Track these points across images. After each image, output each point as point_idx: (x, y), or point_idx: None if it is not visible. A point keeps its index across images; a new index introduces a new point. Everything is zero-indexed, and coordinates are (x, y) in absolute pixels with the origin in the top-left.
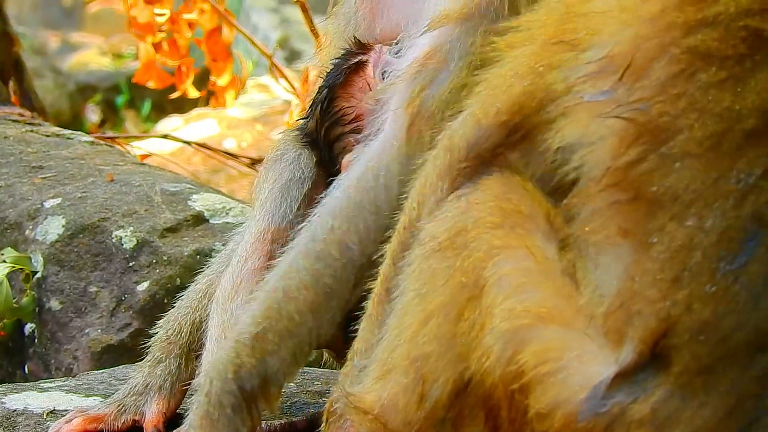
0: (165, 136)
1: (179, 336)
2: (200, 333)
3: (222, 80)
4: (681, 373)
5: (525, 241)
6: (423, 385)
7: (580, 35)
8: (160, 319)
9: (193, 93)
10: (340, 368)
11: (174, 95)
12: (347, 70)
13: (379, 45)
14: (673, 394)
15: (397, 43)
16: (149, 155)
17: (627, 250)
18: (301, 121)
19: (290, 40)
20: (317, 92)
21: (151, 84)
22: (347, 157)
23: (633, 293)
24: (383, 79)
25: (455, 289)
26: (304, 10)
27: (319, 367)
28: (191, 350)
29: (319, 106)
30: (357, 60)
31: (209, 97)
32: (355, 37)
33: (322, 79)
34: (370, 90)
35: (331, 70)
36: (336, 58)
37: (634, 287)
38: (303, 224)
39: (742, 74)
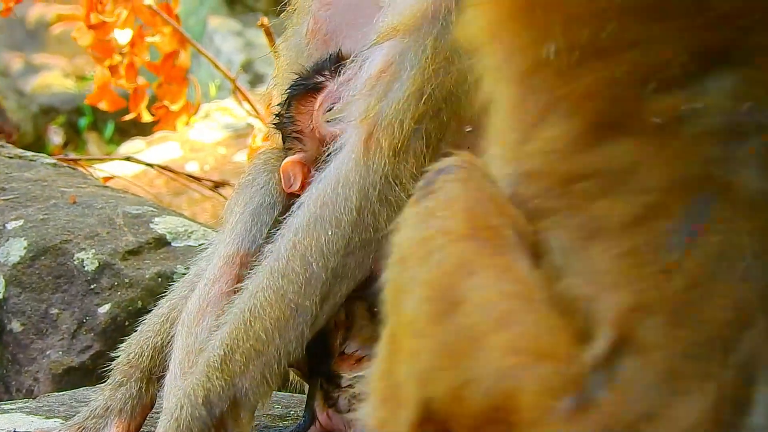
0: (128, 159)
1: (140, 359)
2: (162, 356)
3: (176, 105)
4: (662, 360)
5: (501, 260)
6: (395, 413)
7: None
8: (122, 341)
9: (147, 117)
10: (306, 390)
11: (127, 117)
12: (306, 86)
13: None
14: (655, 384)
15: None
16: (112, 177)
17: (586, 246)
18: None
19: (254, 63)
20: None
21: (103, 106)
22: (285, 162)
23: (598, 283)
24: (327, 111)
25: (420, 300)
26: (268, 33)
27: (280, 390)
28: (152, 374)
29: (282, 108)
30: (318, 81)
31: (159, 121)
32: (338, 52)
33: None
34: (312, 118)
35: (297, 78)
36: (312, 65)
37: (597, 277)
38: (269, 246)
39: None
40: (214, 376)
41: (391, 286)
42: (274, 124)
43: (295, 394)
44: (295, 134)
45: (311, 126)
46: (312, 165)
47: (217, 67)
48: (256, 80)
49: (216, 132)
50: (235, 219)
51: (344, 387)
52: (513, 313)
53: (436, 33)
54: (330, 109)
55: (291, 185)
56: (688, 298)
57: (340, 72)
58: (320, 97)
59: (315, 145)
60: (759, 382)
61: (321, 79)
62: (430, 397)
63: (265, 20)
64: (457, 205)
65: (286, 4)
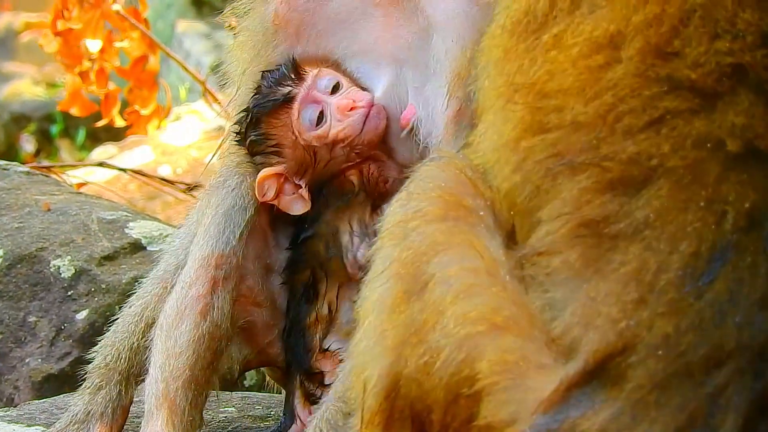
0: (101, 164)
1: (118, 362)
2: (139, 357)
3: (146, 109)
4: (634, 389)
5: (469, 237)
6: (363, 392)
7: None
8: None
9: (120, 122)
10: (281, 391)
11: (100, 123)
12: (275, 102)
13: (311, 75)
14: (624, 411)
15: (333, 83)
16: (85, 184)
17: (586, 275)
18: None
19: (223, 65)
20: (245, 109)
21: (74, 111)
22: (262, 174)
23: (592, 311)
24: (311, 124)
25: (392, 279)
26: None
27: (260, 392)
28: (131, 375)
29: (245, 122)
30: (286, 93)
31: (130, 125)
32: (292, 60)
33: (251, 96)
34: (293, 129)
35: (259, 94)
36: (267, 79)
37: (592, 306)
38: None
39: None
40: None
41: (371, 269)
42: (237, 142)
43: (275, 395)
44: (271, 149)
45: (293, 137)
46: (295, 174)
47: (186, 69)
48: (227, 82)
49: (187, 135)
50: (208, 221)
51: (326, 384)
52: (474, 286)
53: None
54: (310, 115)
55: (264, 195)
56: (681, 340)
57: (301, 76)
58: (295, 106)
59: (299, 153)
60: (726, 413)
61: (287, 89)
62: (399, 371)
63: (234, 21)
64: (433, 188)
65: None
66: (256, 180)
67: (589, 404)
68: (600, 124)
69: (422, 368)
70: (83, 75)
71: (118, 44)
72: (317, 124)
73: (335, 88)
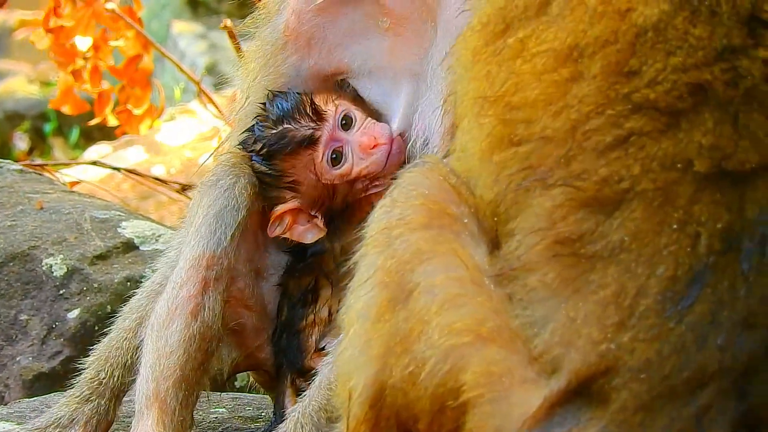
0: (95, 163)
1: (111, 380)
2: (131, 376)
3: (139, 109)
4: (618, 410)
5: (454, 246)
6: (349, 401)
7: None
8: (92, 346)
9: (113, 121)
10: (269, 393)
11: (93, 122)
12: (298, 143)
13: (331, 115)
14: (609, 431)
15: (347, 117)
16: (79, 182)
17: (565, 294)
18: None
19: (218, 65)
20: (257, 132)
21: (66, 110)
22: (280, 210)
23: (572, 331)
24: (331, 162)
25: (377, 287)
26: (232, 35)
27: (251, 393)
28: (120, 392)
29: (257, 150)
30: (309, 135)
31: (123, 125)
32: (311, 103)
33: (262, 123)
34: (314, 169)
35: (278, 131)
36: (280, 111)
37: (572, 326)
38: None
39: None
40: None
41: (355, 276)
42: (257, 174)
43: (266, 396)
44: (286, 185)
45: (313, 177)
46: (311, 208)
47: (181, 69)
48: (221, 82)
49: (182, 135)
50: (199, 221)
51: None
52: (459, 296)
53: None
54: (334, 156)
55: (275, 231)
56: (664, 364)
57: (321, 116)
58: (319, 148)
59: (318, 191)
60: None
61: (309, 131)
62: (384, 380)
63: (229, 23)
64: (417, 195)
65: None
66: (273, 215)
67: (573, 422)
68: (569, 140)
69: (407, 378)
70: (76, 73)
71: (112, 43)
72: (339, 164)
73: (351, 122)
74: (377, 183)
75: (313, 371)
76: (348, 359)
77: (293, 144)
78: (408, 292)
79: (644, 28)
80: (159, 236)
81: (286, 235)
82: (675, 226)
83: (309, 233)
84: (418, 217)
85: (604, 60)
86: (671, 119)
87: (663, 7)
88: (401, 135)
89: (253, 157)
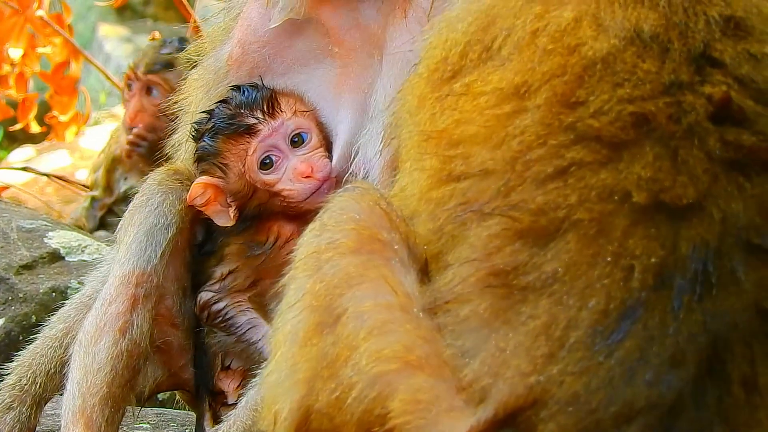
0: (25, 169)
1: (33, 386)
2: (54, 383)
3: (65, 116)
4: None
5: (384, 272)
6: (274, 424)
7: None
8: (16, 356)
9: (35, 127)
10: (193, 410)
11: (14, 128)
12: (237, 127)
13: (282, 118)
14: None
15: (300, 136)
16: (7, 188)
17: (495, 325)
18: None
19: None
20: (216, 111)
21: None
22: (200, 181)
23: (501, 362)
24: (260, 164)
25: (305, 311)
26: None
27: (174, 408)
28: (42, 400)
29: (205, 127)
30: (251, 124)
31: (49, 131)
32: (271, 98)
33: (223, 105)
34: (244, 161)
35: (228, 105)
36: (241, 96)
37: (501, 356)
38: None
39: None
40: None
41: (283, 300)
42: (193, 137)
43: (190, 412)
44: (219, 164)
45: (242, 169)
46: (230, 196)
47: (105, 74)
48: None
49: (106, 140)
50: (130, 239)
51: (230, 404)
52: (387, 323)
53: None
54: (266, 160)
55: (195, 200)
56: (592, 398)
57: (273, 114)
58: (254, 142)
59: (241, 183)
60: None
61: (253, 121)
62: (310, 405)
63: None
64: (347, 219)
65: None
66: (193, 183)
67: None
68: (509, 171)
69: (334, 403)
70: (2, 79)
71: (40, 50)
72: (268, 170)
73: (302, 143)
74: (292, 211)
75: (222, 393)
76: (274, 382)
77: (235, 127)
78: (336, 317)
79: (593, 60)
80: (85, 247)
81: (202, 209)
82: (609, 259)
83: (222, 216)
84: (348, 242)
85: (549, 91)
86: (612, 151)
87: (613, 42)
88: (337, 178)
89: (203, 137)
